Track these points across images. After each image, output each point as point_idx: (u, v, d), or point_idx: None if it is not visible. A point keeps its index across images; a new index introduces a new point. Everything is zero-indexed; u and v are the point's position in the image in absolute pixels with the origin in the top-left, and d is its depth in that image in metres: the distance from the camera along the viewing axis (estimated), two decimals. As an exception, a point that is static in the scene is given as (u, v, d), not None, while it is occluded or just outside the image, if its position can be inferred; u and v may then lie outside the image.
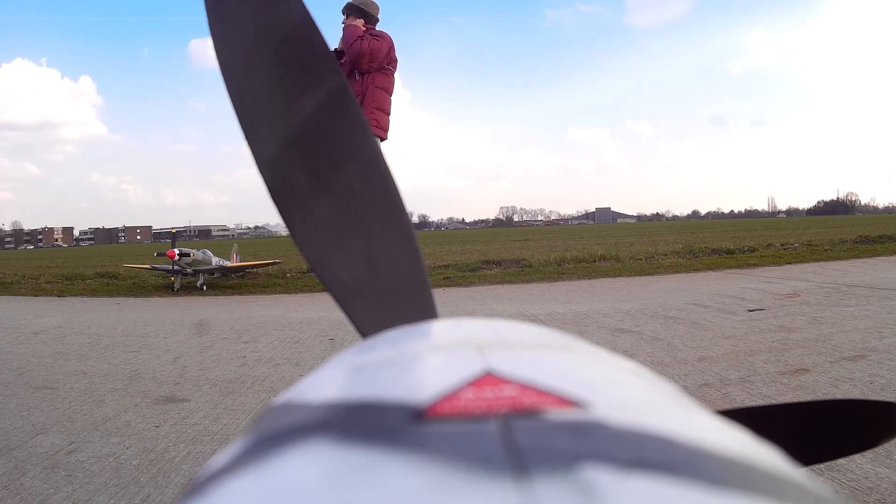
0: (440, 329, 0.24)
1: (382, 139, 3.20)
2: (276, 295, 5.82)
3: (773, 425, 0.40)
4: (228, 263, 6.79)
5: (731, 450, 0.12)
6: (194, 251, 6.37)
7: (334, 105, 0.39)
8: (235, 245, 8.25)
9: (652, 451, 0.11)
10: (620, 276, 5.98)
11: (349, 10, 3.17)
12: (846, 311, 3.18)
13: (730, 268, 6.23)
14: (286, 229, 0.40)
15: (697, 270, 6.16)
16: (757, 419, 0.41)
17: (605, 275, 6.07)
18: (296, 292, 5.89)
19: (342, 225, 0.39)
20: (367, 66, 3.07)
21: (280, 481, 0.11)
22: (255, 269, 7.11)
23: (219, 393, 2.18)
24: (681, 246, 8.42)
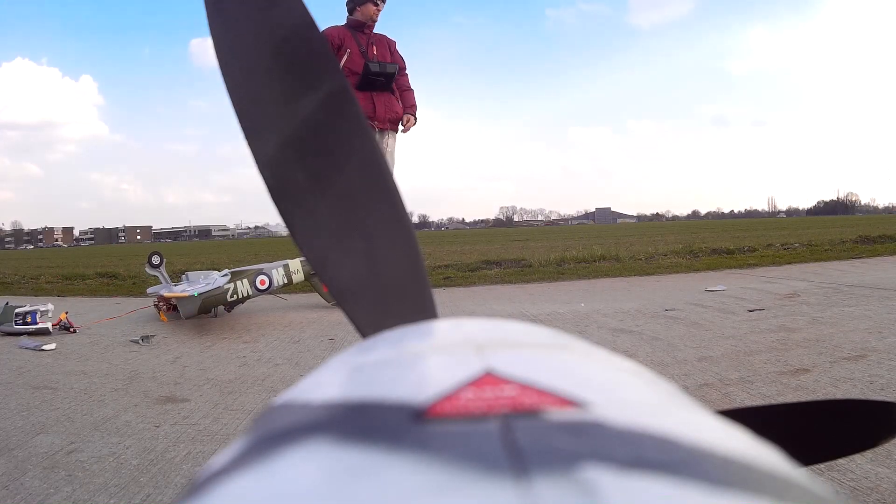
0: (440, 329, 0.24)
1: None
2: (276, 295, 5.81)
3: (773, 425, 0.40)
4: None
5: (731, 450, 0.12)
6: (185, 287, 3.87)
7: (334, 105, 0.39)
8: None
9: (652, 451, 0.11)
10: (620, 276, 5.97)
11: None
12: (846, 311, 3.17)
13: (730, 268, 6.23)
14: (286, 229, 0.40)
15: (697, 270, 6.15)
16: (757, 419, 0.41)
17: (605, 275, 6.06)
18: (296, 292, 5.89)
19: (342, 225, 0.39)
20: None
21: (280, 481, 0.11)
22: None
23: (219, 393, 2.18)
24: (681, 246, 8.41)
